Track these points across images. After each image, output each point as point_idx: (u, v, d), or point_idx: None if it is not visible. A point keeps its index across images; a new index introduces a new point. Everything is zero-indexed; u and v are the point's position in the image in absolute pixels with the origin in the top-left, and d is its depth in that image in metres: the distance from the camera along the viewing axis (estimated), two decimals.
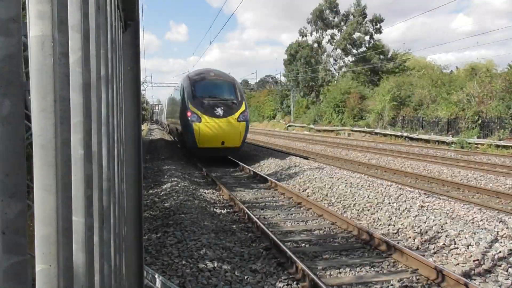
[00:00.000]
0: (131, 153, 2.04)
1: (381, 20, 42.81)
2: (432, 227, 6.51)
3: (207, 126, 14.25)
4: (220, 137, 14.53)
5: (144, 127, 44.96)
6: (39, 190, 0.60)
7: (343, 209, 8.37)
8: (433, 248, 5.93)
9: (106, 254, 1.28)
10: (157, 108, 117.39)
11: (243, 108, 14.96)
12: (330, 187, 9.97)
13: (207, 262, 5.24)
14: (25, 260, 0.46)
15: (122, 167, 1.81)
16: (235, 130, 14.71)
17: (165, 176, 11.81)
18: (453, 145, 21.27)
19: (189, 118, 14.27)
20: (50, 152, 0.60)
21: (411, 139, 24.88)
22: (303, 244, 6.30)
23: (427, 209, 7.58)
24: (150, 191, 10.02)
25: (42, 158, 0.60)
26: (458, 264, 5.37)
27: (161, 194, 9.57)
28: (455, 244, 5.85)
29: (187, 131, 14.57)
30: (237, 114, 14.77)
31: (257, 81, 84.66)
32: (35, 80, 0.60)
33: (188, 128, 14.40)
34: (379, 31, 43.10)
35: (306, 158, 16.43)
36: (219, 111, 14.41)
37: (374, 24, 42.99)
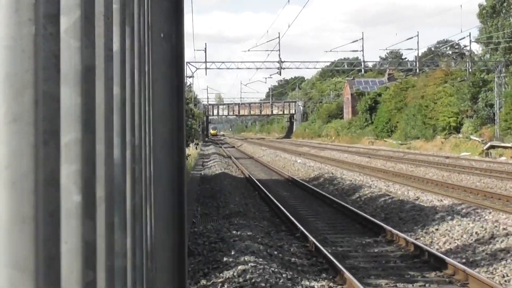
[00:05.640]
0: (164, 203, 1.37)
1: None
2: None
3: None
4: None
5: (191, 151, 28.15)
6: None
7: None
8: None
9: None
10: (215, 112, 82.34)
11: None
12: None
13: None
14: None
15: (148, 232, 1.38)
16: None
17: (232, 251, 8.46)
18: None
19: None
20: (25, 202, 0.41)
21: None
22: None
23: None
24: (203, 282, 7.24)
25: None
26: None
27: None
28: None
29: None
30: None
31: (419, 54, 46.56)
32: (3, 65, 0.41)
33: None
34: None
35: None
36: None
37: None
